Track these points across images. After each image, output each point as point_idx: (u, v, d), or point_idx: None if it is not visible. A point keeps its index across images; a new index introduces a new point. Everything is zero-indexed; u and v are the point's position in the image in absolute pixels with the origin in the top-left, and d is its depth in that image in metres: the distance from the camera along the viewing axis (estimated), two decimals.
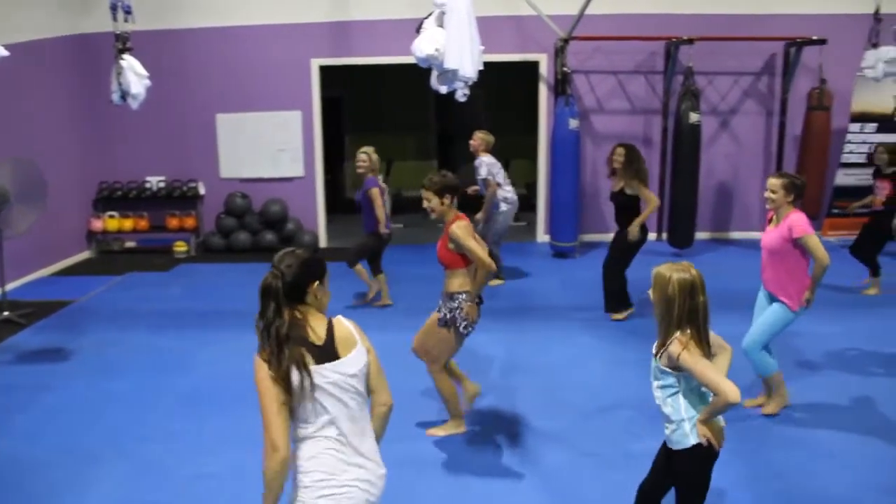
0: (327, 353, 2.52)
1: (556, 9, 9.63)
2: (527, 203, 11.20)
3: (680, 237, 9.64)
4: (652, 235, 10.52)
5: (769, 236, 4.85)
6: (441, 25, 4.59)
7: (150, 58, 7.44)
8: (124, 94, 6.68)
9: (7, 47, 5.84)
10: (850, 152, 10.11)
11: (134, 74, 6.65)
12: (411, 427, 4.95)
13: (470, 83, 4.85)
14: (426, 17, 4.74)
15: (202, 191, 10.59)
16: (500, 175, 8.22)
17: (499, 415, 5.17)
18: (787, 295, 4.76)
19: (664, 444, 3.25)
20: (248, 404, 5.32)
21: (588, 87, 10.40)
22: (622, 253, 7.12)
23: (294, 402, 2.48)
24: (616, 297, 7.22)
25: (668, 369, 3.06)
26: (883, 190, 7.76)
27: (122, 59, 6.66)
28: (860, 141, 10.07)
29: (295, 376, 2.43)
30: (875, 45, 8.15)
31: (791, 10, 10.05)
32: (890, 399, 5.32)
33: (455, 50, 4.49)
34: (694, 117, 9.48)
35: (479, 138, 8.29)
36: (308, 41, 10.26)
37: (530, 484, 4.29)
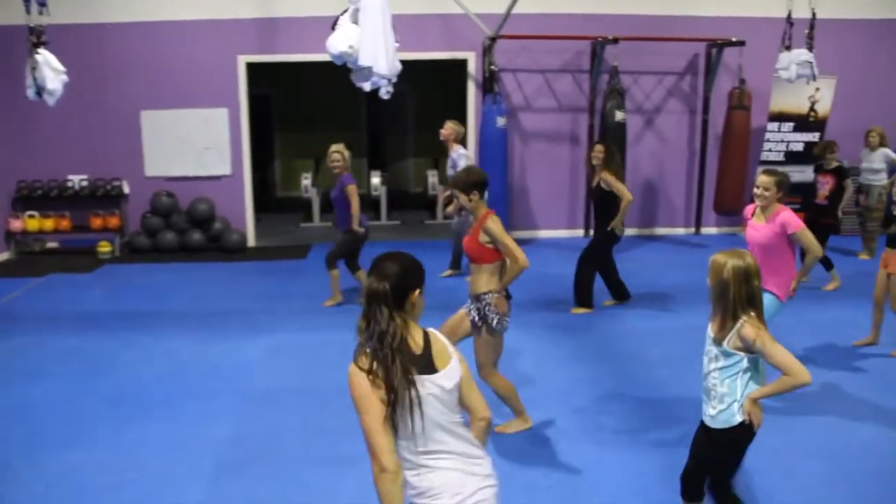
0: (426, 364, 2.43)
1: (484, 7, 9.71)
2: None
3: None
4: (580, 232, 10.76)
5: (759, 233, 5.01)
6: (356, 22, 4.58)
7: (71, 52, 7.27)
8: (40, 90, 6.47)
9: None
10: (770, 150, 10.43)
11: (50, 70, 6.45)
12: None
13: (393, 80, 4.86)
14: (341, 14, 4.72)
15: (126, 190, 10.36)
16: None
17: None
18: (775, 285, 4.92)
19: (702, 427, 3.36)
20: (173, 407, 5.29)
21: (516, 85, 10.50)
22: (595, 249, 7.32)
23: (397, 416, 2.36)
24: (581, 292, 7.36)
25: (735, 351, 3.16)
26: (826, 185, 8.04)
27: (36, 53, 6.45)
28: (778, 140, 10.39)
29: (402, 387, 2.33)
30: (788, 48, 8.42)
31: (712, 12, 10.33)
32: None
33: (369, 47, 4.48)
34: (619, 115, 9.67)
35: (450, 128, 8.25)
36: (234, 38, 10.12)
37: None
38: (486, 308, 4.51)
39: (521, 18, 9.59)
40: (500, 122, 9.61)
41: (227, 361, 6.13)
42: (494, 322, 4.52)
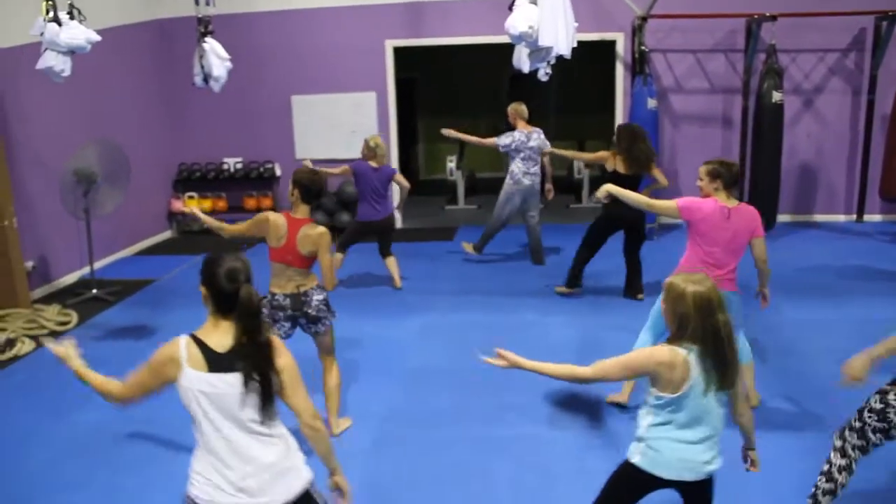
0: None
1: None
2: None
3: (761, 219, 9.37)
4: None
5: None
6: (534, 2, 4.54)
7: (224, 41, 7.52)
8: (207, 77, 6.78)
9: None
10: None
11: (216, 57, 6.74)
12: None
13: (552, 62, 4.81)
14: None
15: (278, 172, 10.74)
16: (521, 153, 8.04)
17: (575, 394, 5.13)
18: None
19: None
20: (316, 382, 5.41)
21: (666, 66, 10.18)
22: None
23: None
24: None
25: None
26: None
27: (204, 42, 6.75)
28: None
29: None
30: None
31: None
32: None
33: (550, 27, 4.44)
34: (776, 96, 9.19)
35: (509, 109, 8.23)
36: (382, 23, 10.28)
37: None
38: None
39: None
40: (651, 103, 9.35)
41: (381, 340, 6.27)
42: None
